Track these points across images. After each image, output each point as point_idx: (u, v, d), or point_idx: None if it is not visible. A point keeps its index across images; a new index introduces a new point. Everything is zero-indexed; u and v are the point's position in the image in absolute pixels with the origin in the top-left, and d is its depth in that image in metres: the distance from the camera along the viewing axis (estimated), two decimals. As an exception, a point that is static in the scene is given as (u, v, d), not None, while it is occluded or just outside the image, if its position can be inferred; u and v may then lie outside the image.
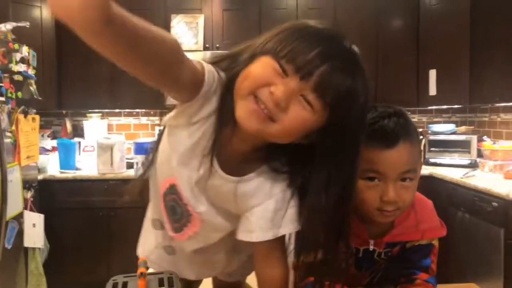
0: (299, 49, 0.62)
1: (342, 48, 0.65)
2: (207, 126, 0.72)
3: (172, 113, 0.76)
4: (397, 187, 0.81)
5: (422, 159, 0.93)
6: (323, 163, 0.70)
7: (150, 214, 0.98)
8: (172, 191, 0.81)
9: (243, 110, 0.64)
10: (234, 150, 0.75)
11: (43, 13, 3.33)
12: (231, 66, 0.71)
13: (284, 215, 0.76)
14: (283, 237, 0.79)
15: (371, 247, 0.92)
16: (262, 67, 0.64)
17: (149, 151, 0.90)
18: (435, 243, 0.95)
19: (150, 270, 0.92)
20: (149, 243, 0.98)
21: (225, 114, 0.70)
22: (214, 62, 0.72)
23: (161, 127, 0.86)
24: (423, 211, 0.94)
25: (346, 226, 0.74)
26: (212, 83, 0.68)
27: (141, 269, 0.68)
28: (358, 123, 0.70)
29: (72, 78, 3.44)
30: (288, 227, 0.77)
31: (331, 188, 0.70)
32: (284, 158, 0.75)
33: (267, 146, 0.73)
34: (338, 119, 0.66)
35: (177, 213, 0.83)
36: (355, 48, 0.68)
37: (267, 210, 0.76)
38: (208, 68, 0.68)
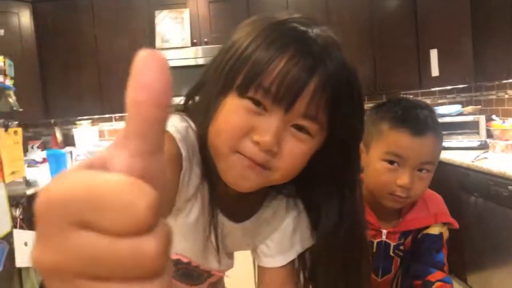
0: (268, 71, 0.49)
1: (316, 49, 0.51)
2: (201, 197, 0.61)
3: None
4: (414, 176, 0.84)
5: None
6: (329, 179, 0.62)
7: None
8: (176, 263, 0.72)
9: (231, 174, 0.53)
10: (235, 200, 0.64)
11: (22, 19, 3.18)
12: (198, 117, 0.58)
13: (302, 232, 0.71)
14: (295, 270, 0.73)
15: (384, 237, 0.93)
16: (232, 114, 0.51)
17: None
18: (445, 234, 0.94)
19: None
20: None
21: (213, 176, 0.58)
22: (182, 110, 0.62)
23: None
24: (432, 200, 0.96)
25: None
26: (188, 152, 0.55)
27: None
28: (357, 119, 0.59)
29: (57, 85, 3.28)
30: (308, 241, 0.70)
31: (344, 208, 0.63)
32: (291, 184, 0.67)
33: None
34: (338, 128, 0.56)
35: (194, 276, 0.76)
36: (328, 31, 0.54)
37: (285, 231, 0.71)
38: (178, 136, 0.53)
